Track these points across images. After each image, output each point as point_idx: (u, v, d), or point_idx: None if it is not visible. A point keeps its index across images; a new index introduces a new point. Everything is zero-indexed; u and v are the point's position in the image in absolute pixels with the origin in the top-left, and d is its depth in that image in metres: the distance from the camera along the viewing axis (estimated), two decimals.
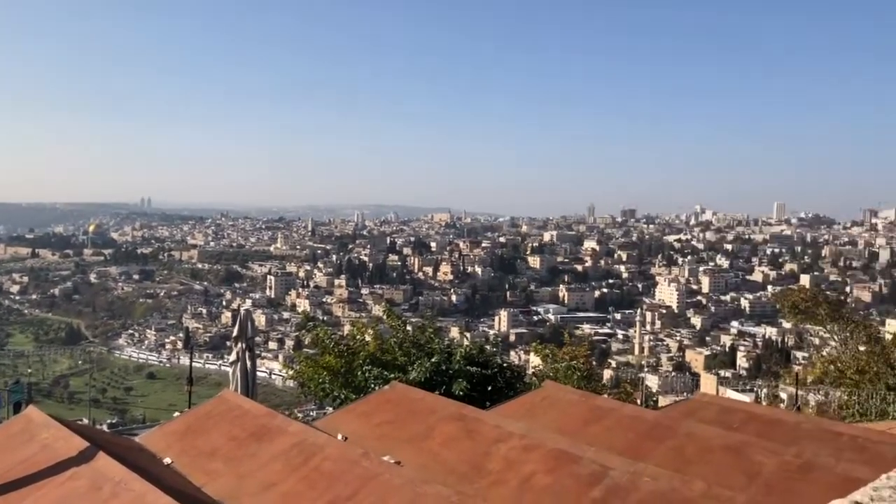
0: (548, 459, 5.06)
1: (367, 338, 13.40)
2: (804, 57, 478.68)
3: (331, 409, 12.01)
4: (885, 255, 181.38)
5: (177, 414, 7.73)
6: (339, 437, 5.96)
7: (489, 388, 11.80)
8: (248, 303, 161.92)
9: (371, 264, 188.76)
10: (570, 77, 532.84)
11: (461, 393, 10.73)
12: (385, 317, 14.21)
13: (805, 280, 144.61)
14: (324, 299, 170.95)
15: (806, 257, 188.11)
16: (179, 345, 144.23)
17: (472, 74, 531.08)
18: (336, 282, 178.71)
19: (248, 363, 11.23)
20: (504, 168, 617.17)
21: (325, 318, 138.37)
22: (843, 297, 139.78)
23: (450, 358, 11.63)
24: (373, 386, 11.08)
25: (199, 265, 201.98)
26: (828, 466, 5.07)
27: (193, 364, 38.51)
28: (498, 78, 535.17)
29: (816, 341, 33.70)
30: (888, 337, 30.53)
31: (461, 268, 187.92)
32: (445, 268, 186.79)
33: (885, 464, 4.77)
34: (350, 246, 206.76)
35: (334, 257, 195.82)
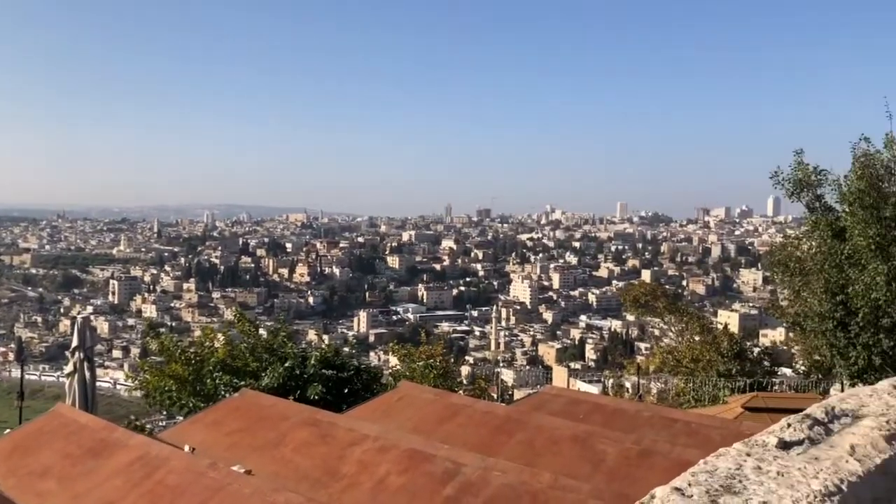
0: (402, 460, 5.09)
1: (217, 344, 12.94)
2: (635, 64, 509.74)
3: (181, 419, 11.49)
4: (716, 251, 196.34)
5: (7, 431, 7.13)
6: (186, 448, 5.71)
7: (346, 391, 11.72)
8: (89, 309, 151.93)
9: (222, 267, 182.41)
10: (423, 79, 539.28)
11: (316, 397, 10.60)
12: (236, 321, 13.77)
13: (646, 275, 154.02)
14: (172, 304, 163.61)
15: (646, 253, 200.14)
16: (11, 356, 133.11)
17: (325, 69, 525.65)
18: (185, 286, 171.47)
19: (87, 374, 10.53)
20: (362, 168, 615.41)
21: (174, 325, 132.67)
22: (679, 291, 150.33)
23: (304, 362, 11.44)
24: (223, 393, 10.72)
25: (33, 270, 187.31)
26: (664, 452, 5.40)
27: (28, 377, 35.75)
28: (354, 75, 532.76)
29: (657, 333, 36.02)
30: (719, 327, 33.11)
31: (318, 269, 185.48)
32: (302, 269, 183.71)
33: (713, 447, 5.14)
34: (199, 248, 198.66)
35: (183, 260, 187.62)
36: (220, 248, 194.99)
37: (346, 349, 14.07)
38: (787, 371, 31.04)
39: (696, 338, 28.92)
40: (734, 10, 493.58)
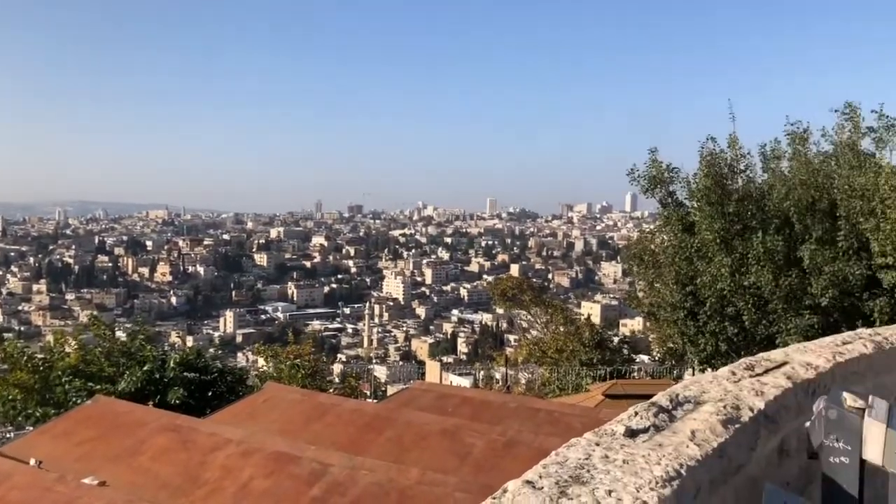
0: (267, 463, 4.97)
1: (69, 348, 12.15)
2: (503, 68, 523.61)
3: (30, 430, 10.73)
4: (579, 245, 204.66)
5: None
6: (33, 461, 5.32)
7: (209, 395, 11.33)
8: None
9: (77, 267, 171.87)
10: (287, 71, 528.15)
11: (178, 402, 10.18)
12: (91, 324, 12.99)
13: (514, 269, 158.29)
14: (20, 307, 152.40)
15: (515, 248, 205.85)
16: None
17: (185, 60, 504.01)
18: (35, 287, 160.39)
19: None
20: (227, 163, 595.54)
21: (22, 329, 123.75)
22: (546, 284, 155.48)
23: (164, 365, 10.95)
24: (75, 401, 10.08)
25: None
26: (528, 441, 5.56)
27: None
28: (215, 64, 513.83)
29: (524, 325, 37.09)
30: (582, 319, 34.52)
31: (181, 268, 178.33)
32: (164, 268, 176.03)
33: (574, 434, 5.35)
34: (51, 247, 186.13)
35: (32, 260, 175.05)
36: (73, 246, 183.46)
37: (212, 350, 13.57)
38: (645, 358, 32.82)
39: (561, 329, 30.04)
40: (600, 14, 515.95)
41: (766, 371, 3.41)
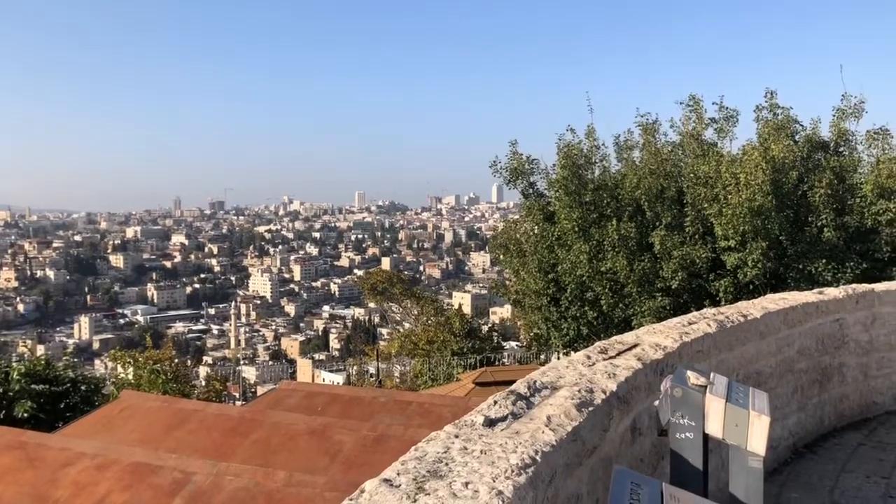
0: (124, 475, 4.73)
1: None
2: (345, 62, 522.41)
3: None
4: (449, 237, 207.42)
5: None
6: None
7: (62, 406, 10.61)
8: None
9: None
10: (148, 66, 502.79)
11: (26, 415, 9.48)
12: None
13: (386, 263, 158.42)
14: None
15: (385, 241, 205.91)
16: None
17: (23, 52, 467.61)
18: None
19: None
20: (74, 157, 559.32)
21: None
22: (417, 276, 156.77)
23: (7, 378, 10.16)
24: None
25: None
26: (398, 435, 5.58)
27: None
28: (59, 57, 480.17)
29: (397, 318, 37.20)
30: (454, 309, 35.04)
31: (28, 272, 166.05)
32: (9, 273, 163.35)
33: (444, 424, 5.42)
34: None
35: None
36: None
37: (65, 359, 12.70)
38: (514, 344, 33.75)
39: (432, 320, 30.36)
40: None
41: (619, 353, 3.58)
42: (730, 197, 16.95)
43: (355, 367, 32.78)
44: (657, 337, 4.19)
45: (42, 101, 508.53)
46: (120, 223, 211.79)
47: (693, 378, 2.97)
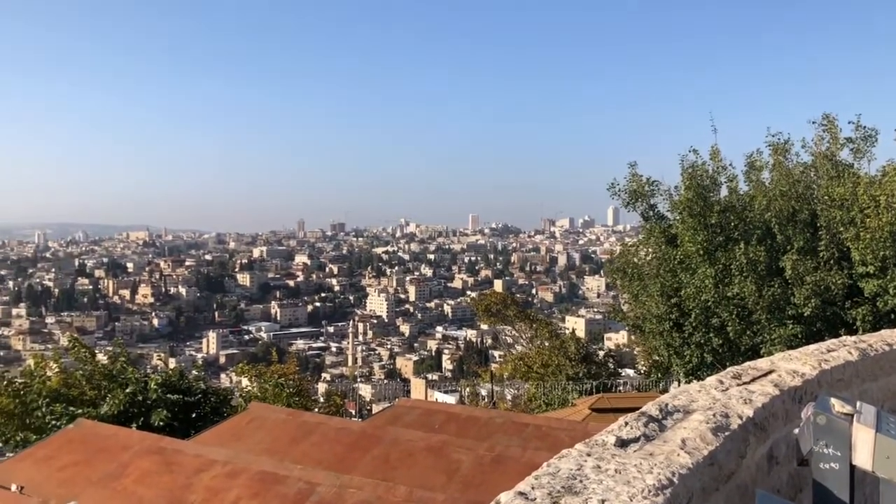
0: (253, 483, 4.91)
1: (49, 372, 12.01)
2: (456, 82, 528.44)
3: (11, 455, 10.57)
4: (562, 260, 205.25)
5: None
6: (14, 487, 5.23)
7: (194, 416, 11.20)
8: None
9: (57, 290, 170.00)
10: (270, 87, 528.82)
11: (161, 423, 10.06)
12: (71, 347, 12.83)
13: (498, 285, 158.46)
14: None
15: (498, 264, 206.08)
16: None
17: (161, 80, 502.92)
18: (14, 311, 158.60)
19: None
20: (207, 183, 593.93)
21: (2, 354, 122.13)
22: (530, 299, 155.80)
23: (146, 387, 10.83)
24: (56, 425, 9.95)
25: None
26: (516, 456, 5.54)
27: None
28: (194, 89, 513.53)
29: (509, 340, 37.04)
30: (567, 333, 34.55)
31: (163, 289, 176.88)
32: (145, 290, 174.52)
33: (562, 448, 5.34)
34: (30, 270, 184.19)
35: (11, 283, 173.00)
36: (53, 269, 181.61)
37: (195, 372, 13.45)
38: (630, 372, 32.87)
39: (546, 343, 30.01)
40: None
41: (753, 379, 3.42)
42: (868, 220, 15.96)
43: (468, 389, 32.85)
44: (794, 363, 3.98)
45: (182, 129, 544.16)
46: (247, 243, 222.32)
47: (838, 405, 2.80)
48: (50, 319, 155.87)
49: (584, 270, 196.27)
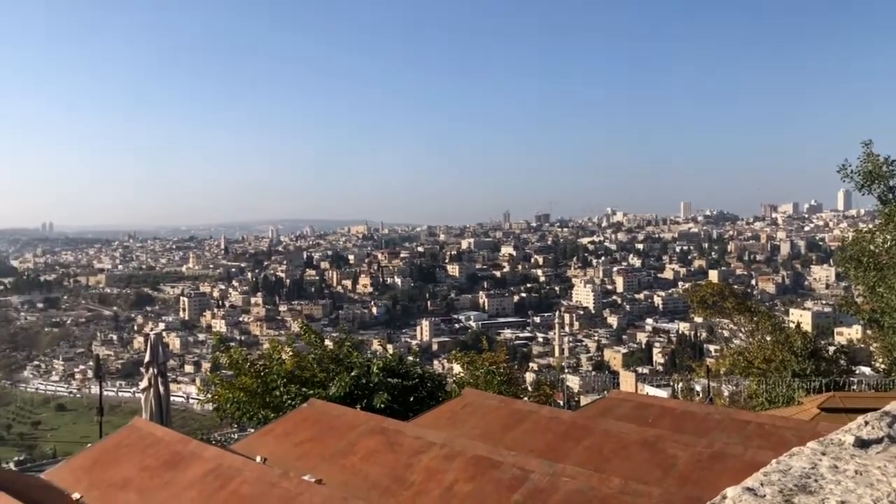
0: (469, 467, 5.08)
1: (284, 356, 13.20)
2: (690, 61, 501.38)
3: (252, 430, 11.76)
4: (785, 248, 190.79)
5: (89, 445, 7.38)
6: (258, 459, 5.82)
7: (411, 399, 11.78)
8: (161, 326, 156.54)
9: (288, 280, 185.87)
10: (477, 85, 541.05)
11: (382, 406, 10.68)
12: (302, 333, 14.01)
13: (713, 275, 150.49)
14: (240, 318, 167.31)
15: (713, 253, 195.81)
16: (90, 374, 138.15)
17: (373, 84, 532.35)
18: (252, 300, 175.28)
19: (161, 389, 10.84)
20: (420, 177, 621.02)
21: (243, 338, 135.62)
22: (748, 290, 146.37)
23: (369, 371, 11.55)
24: (291, 404, 10.91)
25: (108, 290, 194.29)
26: (736, 454, 5.27)
27: (106, 393, 37.04)
28: (401, 86, 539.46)
29: (726, 334, 35.08)
30: (791, 326, 32.08)
31: (380, 279, 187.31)
32: (364, 280, 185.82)
33: (787, 448, 5.00)
34: (265, 263, 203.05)
35: (249, 275, 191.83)
36: (285, 262, 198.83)
37: (410, 358, 14.16)
38: (866, 370, 29.91)
39: (768, 338, 28.05)
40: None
41: None
42: None
43: (681, 384, 31.62)
44: None
45: (394, 131, 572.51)
46: (456, 235, 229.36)
47: None
48: (283, 307, 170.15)
49: (811, 259, 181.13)
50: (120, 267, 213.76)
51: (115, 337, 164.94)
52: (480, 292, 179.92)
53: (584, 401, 27.22)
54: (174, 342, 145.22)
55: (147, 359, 11.21)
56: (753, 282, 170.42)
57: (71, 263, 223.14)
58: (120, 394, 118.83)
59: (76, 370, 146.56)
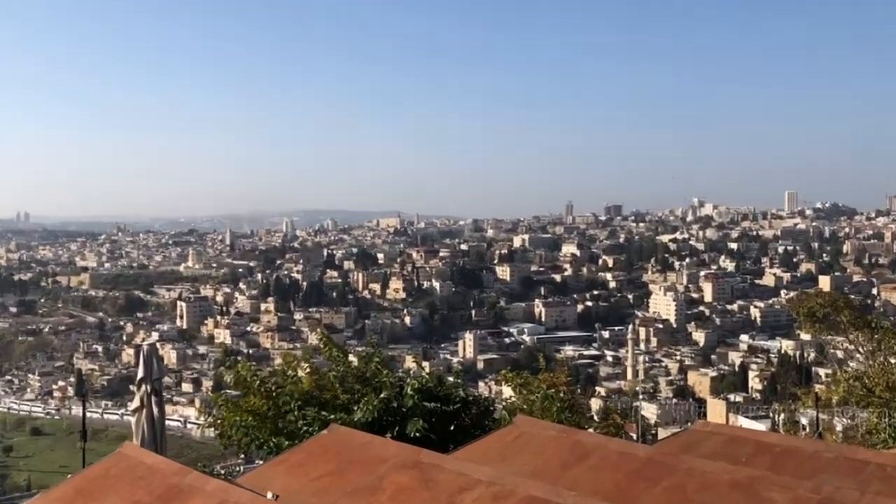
0: None
1: (301, 373, 13.31)
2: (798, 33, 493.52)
3: (261, 461, 11.91)
4: None
5: (70, 476, 7.57)
6: (269, 495, 5.90)
7: (452, 428, 11.79)
8: (155, 336, 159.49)
9: (305, 283, 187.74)
10: (533, 65, 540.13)
11: (417, 434, 10.71)
12: (322, 346, 14.13)
13: (824, 282, 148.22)
14: (248, 328, 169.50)
15: (825, 255, 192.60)
16: (70, 391, 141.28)
17: (418, 60, 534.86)
18: (263, 306, 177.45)
19: (155, 410, 11.06)
20: (463, 164, 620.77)
21: (251, 352, 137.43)
22: (869, 302, 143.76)
23: (401, 393, 11.61)
24: (307, 430, 11.02)
25: (92, 292, 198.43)
26: (851, 500, 5.20)
27: (89, 414, 37.84)
28: (450, 64, 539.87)
29: (840, 354, 34.53)
30: None
31: (415, 283, 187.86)
32: (396, 284, 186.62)
33: None
34: (278, 261, 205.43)
35: (259, 276, 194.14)
36: (301, 261, 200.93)
37: (451, 378, 14.21)
38: None
39: (892, 360, 27.61)
40: None
41: None
42: None
43: (783, 414, 31.22)
44: None
45: (437, 109, 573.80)
46: (507, 231, 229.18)
47: None
48: (298, 315, 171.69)
49: None
50: (107, 265, 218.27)
51: (100, 348, 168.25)
52: (536, 300, 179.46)
53: (662, 434, 27.05)
54: (170, 355, 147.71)
55: (139, 375, 11.45)
56: (875, 291, 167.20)
57: (49, 260, 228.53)
58: (105, 416, 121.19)
59: (55, 387, 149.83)
